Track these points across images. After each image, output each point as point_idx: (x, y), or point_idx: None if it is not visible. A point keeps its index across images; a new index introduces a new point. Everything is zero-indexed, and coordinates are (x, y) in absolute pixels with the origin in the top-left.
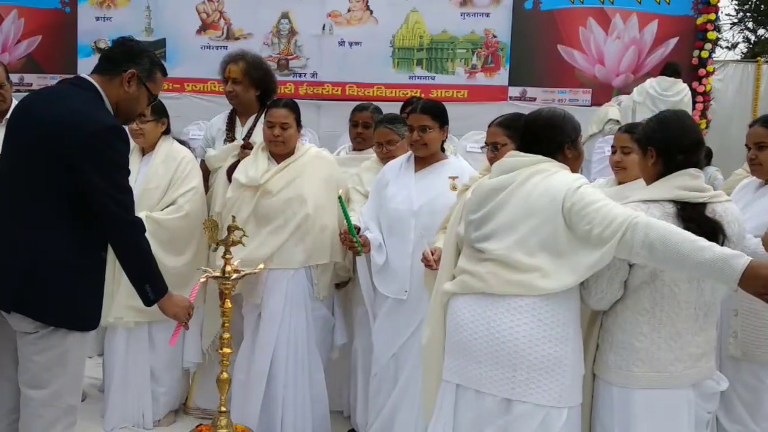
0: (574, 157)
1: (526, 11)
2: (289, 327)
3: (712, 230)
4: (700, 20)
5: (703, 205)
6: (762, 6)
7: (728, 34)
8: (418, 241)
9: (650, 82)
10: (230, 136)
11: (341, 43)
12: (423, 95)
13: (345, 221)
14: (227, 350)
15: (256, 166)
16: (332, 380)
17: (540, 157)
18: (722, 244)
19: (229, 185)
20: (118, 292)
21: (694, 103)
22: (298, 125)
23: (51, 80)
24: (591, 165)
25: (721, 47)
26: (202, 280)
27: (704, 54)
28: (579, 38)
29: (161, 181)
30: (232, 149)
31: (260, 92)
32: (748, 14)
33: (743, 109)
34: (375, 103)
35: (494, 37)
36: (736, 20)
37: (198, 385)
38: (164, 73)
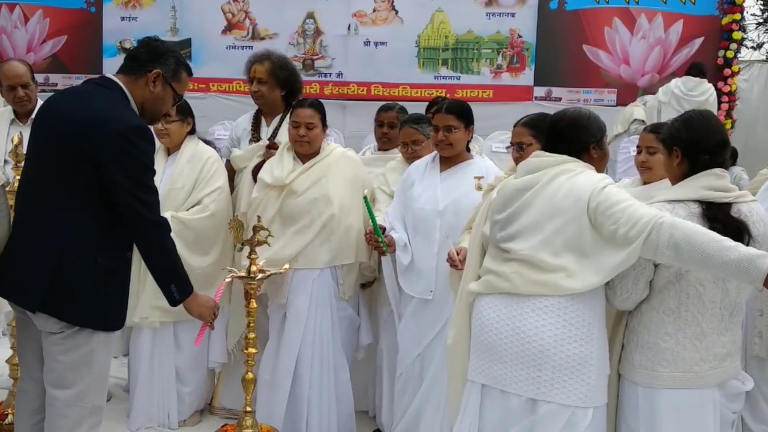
0: (599, 157)
1: (551, 11)
2: (314, 327)
3: (738, 230)
4: (725, 20)
5: (729, 205)
6: None
7: (753, 34)
8: (443, 241)
9: (675, 82)
10: (255, 136)
11: (367, 43)
12: (448, 95)
13: (370, 221)
14: (252, 350)
15: (281, 166)
16: (357, 380)
17: (565, 157)
18: (747, 244)
19: (254, 185)
20: (144, 291)
21: (720, 103)
22: (324, 125)
23: (76, 80)
24: (616, 165)
25: (747, 47)
26: (228, 280)
27: (729, 54)
28: (604, 38)
29: (187, 181)
30: (257, 149)
31: (286, 92)
32: None
33: None
34: (400, 103)
35: (519, 37)
36: (761, 20)
37: (223, 385)
38: (189, 73)
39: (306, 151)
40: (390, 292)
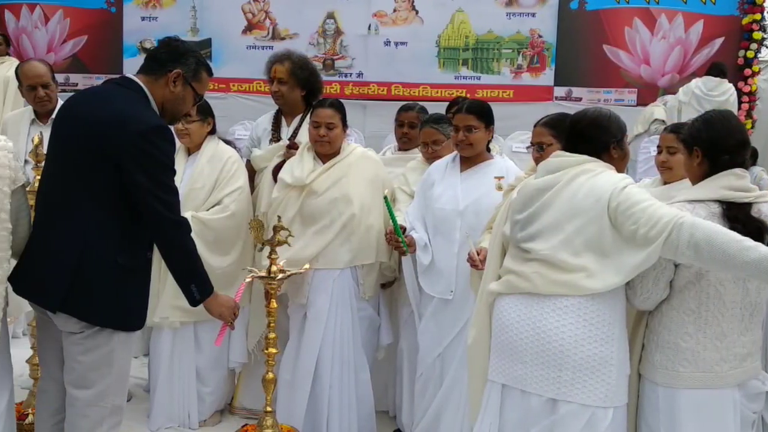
0: (619, 157)
1: (571, 11)
2: (334, 327)
3: (758, 230)
4: (745, 20)
5: (749, 205)
6: None
7: None
8: (463, 241)
9: (696, 82)
10: (276, 136)
11: (387, 43)
12: (468, 95)
13: (391, 221)
14: (273, 350)
15: (301, 166)
16: (378, 380)
17: (585, 157)
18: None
19: (274, 185)
20: (164, 291)
21: (740, 103)
22: (344, 125)
23: (96, 80)
24: (637, 165)
25: (767, 47)
26: (248, 280)
27: (750, 54)
28: (625, 38)
29: (207, 181)
30: (277, 149)
31: (306, 92)
32: None
33: None
34: (421, 103)
35: (540, 37)
36: None
37: (243, 385)
38: (210, 73)
39: (326, 151)
40: (410, 292)
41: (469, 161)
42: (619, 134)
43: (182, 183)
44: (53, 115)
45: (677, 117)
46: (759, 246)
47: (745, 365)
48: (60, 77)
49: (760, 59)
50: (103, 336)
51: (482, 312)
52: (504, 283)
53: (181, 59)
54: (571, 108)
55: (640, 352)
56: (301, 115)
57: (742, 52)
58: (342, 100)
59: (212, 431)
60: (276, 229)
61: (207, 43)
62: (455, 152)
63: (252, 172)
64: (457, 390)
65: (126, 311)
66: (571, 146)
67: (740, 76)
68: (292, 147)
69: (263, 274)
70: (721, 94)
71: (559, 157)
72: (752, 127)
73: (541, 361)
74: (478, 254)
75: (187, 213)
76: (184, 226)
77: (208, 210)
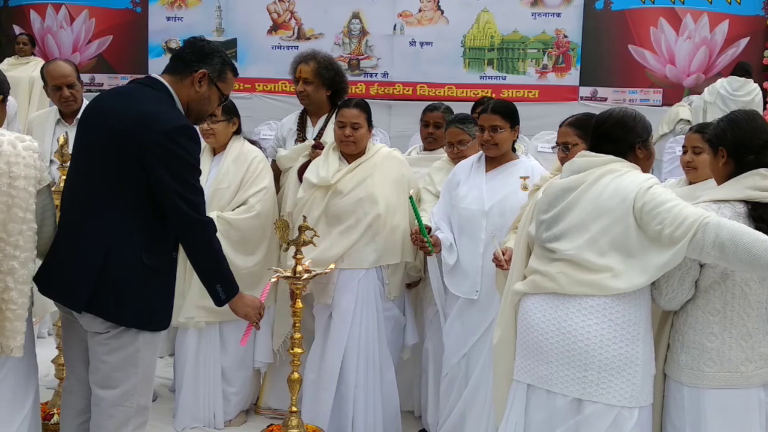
0: (645, 157)
1: (597, 11)
2: (360, 327)
3: None
4: None
5: None
6: None
7: None
8: (489, 241)
9: (721, 82)
10: (301, 136)
11: (412, 43)
12: (494, 95)
13: (416, 221)
14: (298, 350)
15: (327, 166)
16: (403, 380)
17: (611, 157)
18: None
19: (300, 185)
20: (190, 291)
21: (765, 102)
22: (369, 125)
23: (122, 80)
24: (662, 165)
25: None
26: (273, 280)
27: None
28: (650, 38)
29: (232, 181)
30: (303, 149)
31: (331, 92)
32: None
33: None
34: (446, 103)
35: (565, 37)
36: None
37: (269, 385)
38: (235, 73)
39: (351, 151)
40: (435, 292)
41: (494, 161)
42: (644, 134)
43: (207, 183)
44: (79, 116)
45: (702, 117)
46: None
47: None
48: (85, 77)
49: None
50: (129, 336)
51: (507, 312)
52: (529, 283)
53: (207, 59)
54: (596, 108)
55: (665, 352)
56: (326, 115)
57: (767, 52)
58: (367, 100)
59: (238, 431)
60: (301, 229)
61: (232, 43)
62: (481, 152)
63: (277, 172)
64: (483, 390)
65: (151, 311)
66: (596, 146)
67: (765, 76)
68: (318, 147)
69: (289, 274)
70: (747, 93)
71: (584, 157)
72: None
73: (566, 361)
74: (503, 254)
75: (212, 213)
76: (210, 226)
77: (233, 210)
